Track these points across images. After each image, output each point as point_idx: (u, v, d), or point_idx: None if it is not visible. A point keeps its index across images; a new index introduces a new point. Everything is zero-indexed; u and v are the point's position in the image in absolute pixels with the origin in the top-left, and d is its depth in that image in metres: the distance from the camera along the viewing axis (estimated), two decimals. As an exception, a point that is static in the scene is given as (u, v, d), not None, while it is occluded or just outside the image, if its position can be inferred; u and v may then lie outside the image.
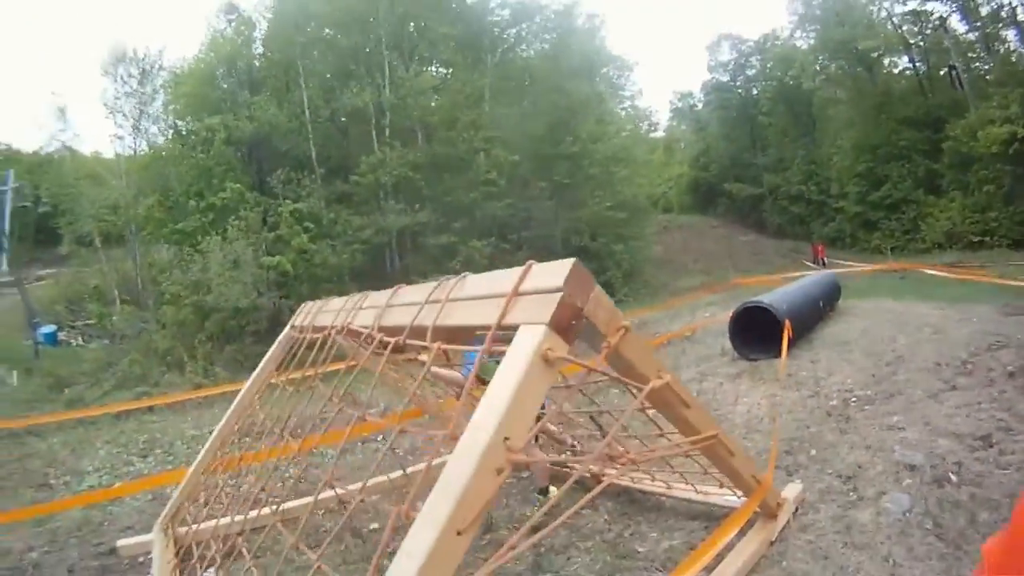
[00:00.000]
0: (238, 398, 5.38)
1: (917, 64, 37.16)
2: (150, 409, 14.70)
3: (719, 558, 3.80)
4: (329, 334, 4.00)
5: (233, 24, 24.94)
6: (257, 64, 24.85)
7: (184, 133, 22.83)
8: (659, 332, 14.00)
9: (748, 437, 6.30)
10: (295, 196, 21.16)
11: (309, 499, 4.99)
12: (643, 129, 42.33)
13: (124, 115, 23.63)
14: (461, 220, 23.28)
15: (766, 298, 9.54)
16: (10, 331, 23.50)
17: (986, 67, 33.80)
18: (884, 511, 4.48)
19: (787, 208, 40.48)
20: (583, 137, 26.39)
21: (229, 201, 20.07)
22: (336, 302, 4.60)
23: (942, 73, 36.19)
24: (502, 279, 2.32)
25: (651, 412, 3.16)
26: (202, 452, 5.34)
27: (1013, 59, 31.97)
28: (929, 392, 6.68)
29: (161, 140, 24.59)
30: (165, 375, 17.61)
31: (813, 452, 5.68)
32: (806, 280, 13.23)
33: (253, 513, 4.04)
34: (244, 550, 3.75)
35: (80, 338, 23.27)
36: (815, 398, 7.13)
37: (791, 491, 4.65)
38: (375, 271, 22.38)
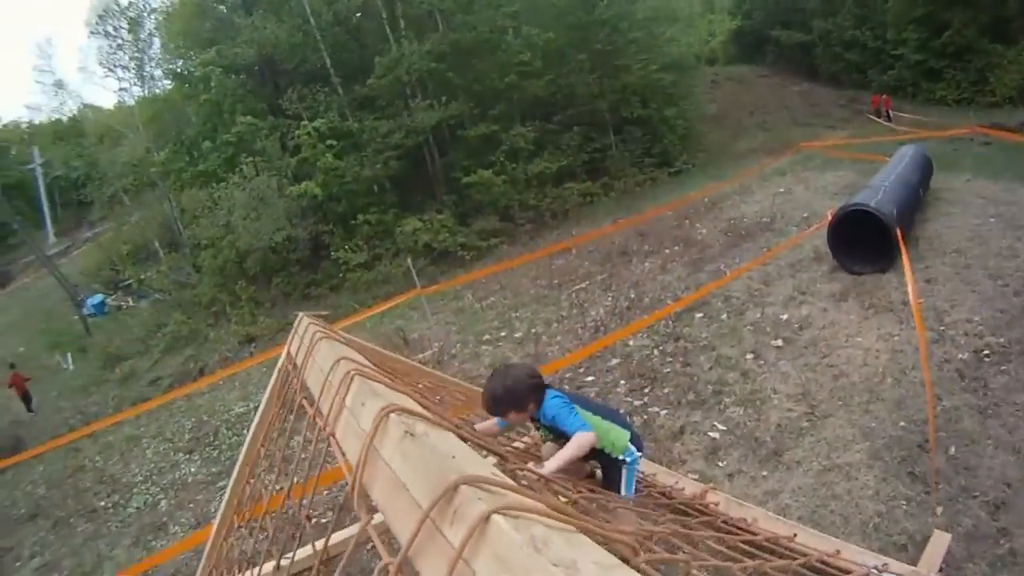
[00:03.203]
0: (243, 450, 4.28)
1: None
2: (200, 372, 14.96)
3: None
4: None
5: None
6: (247, -19, 23.97)
7: (184, 73, 22.47)
8: (739, 218, 13.02)
9: (871, 410, 5.04)
10: (312, 113, 20.59)
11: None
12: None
13: (124, 68, 24.11)
14: (498, 107, 22.27)
15: (868, 198, 8.36)
16: (65, 308, 24.32)
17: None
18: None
19: (841, 55, 37.44)
20: (619, -2, 24.48)
21: (244, 134, 19.76)
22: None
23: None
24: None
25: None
26: (222, 509, 4.59)
27: None
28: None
29: (168, 84, 24.87)
30: (211, 331, 17.94)
31: (952, 450, 4.41)
32: (901, 161, 11.59)
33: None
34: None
35: (129, 300, 23.92)
36: (940, 344, 5.89)
37: (937, 545, 3.47)
38: (416, 175, 22.13)
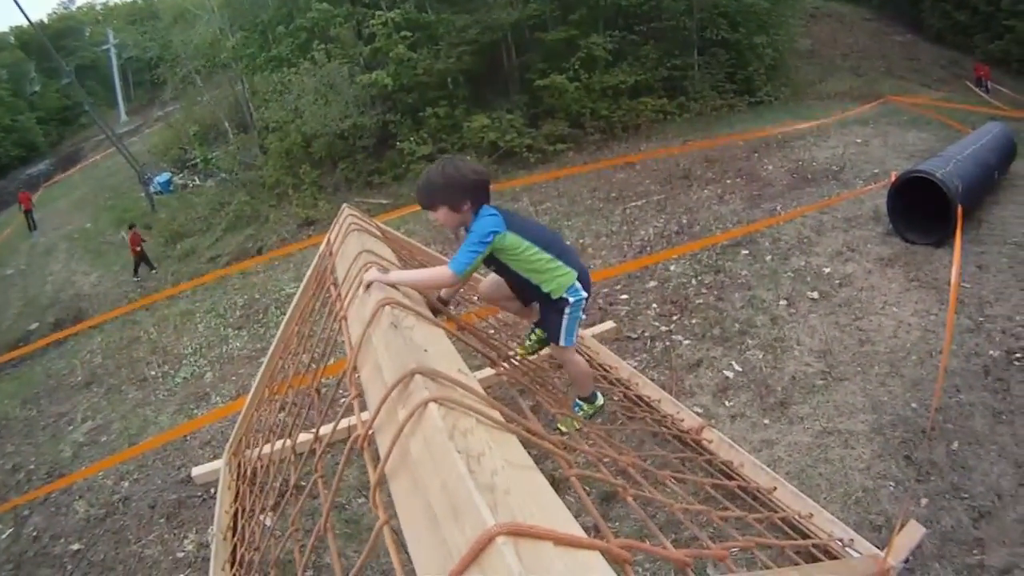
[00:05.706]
0: (284, 321, 4.62)
1: None
2: (259, 252, 15.46)
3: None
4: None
5: None
6: None
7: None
8: (808, 160, 12.69)
9: (887, 384, 5.06)
10: (390, 2, 20.45)
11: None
12: None
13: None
14: (579, 11, 21.39)
15: (936, 167, 8.00)
16: (132, 186, 25.71)
17: None
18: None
19: (950, 13, 34.64)
20: (719, -92, 22.84)
21: (318, 20, 19.97)
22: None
23: None
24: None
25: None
26: (256, 382, 4.91)
27: None
28: None
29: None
30: (273, 212, 18.53)
31: (955, 445, 4.37)
32: (983, 137, 10.77)
33: (301, 438, 3.57)
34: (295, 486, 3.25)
35: (195, 179, 24.70)
36: (974, 335, 5.71)
37: (909, 536, 3.44)
38: (489, 73, 21.81)
